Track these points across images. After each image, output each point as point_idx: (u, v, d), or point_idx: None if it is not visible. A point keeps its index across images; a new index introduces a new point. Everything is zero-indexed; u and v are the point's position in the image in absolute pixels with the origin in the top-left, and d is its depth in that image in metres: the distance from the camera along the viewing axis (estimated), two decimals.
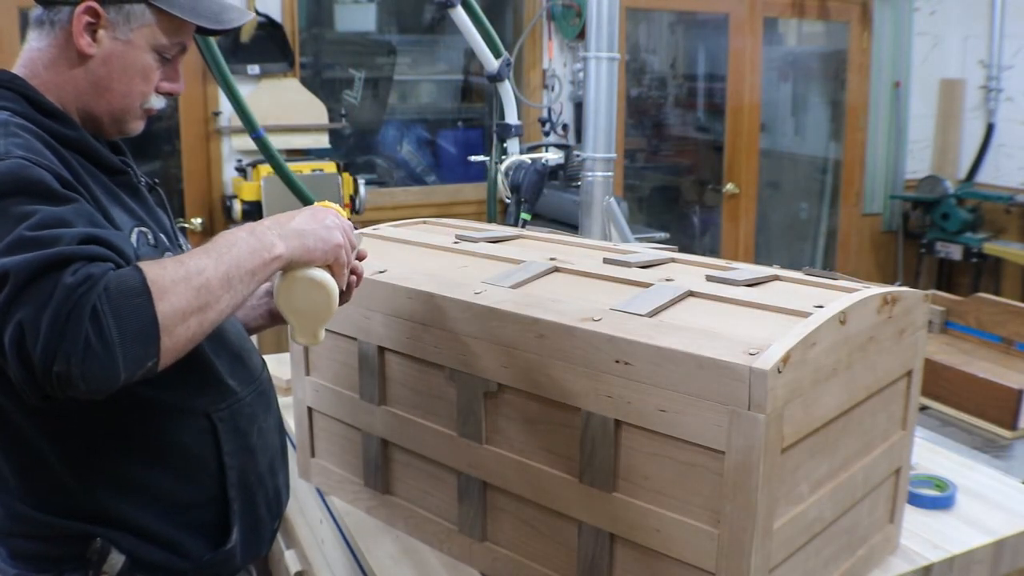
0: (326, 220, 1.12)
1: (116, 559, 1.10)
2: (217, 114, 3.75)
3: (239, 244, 1.02)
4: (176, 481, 1.16)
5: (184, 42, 1.18)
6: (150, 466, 1.14)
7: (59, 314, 0.87)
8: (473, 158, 2.76)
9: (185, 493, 1.16)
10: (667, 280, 1.23)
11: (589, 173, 2.34)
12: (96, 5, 1.10)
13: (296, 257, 1.07)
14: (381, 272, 1.39)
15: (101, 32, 1.11)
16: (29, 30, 1.15)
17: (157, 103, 1.19)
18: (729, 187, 5.05)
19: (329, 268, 1.11)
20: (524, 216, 2.40)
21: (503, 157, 2.46)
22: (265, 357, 2.29)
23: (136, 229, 1.13)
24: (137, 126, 1.20)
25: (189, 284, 0.95)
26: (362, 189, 3.64)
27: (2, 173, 0.96)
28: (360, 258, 1.21)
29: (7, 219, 0.93)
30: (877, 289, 1.17)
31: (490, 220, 2.77)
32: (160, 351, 0.92)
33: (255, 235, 1.04)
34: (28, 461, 1.10)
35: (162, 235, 1.19)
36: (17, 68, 1.14)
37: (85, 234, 0.94)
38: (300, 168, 3.46)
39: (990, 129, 5.25)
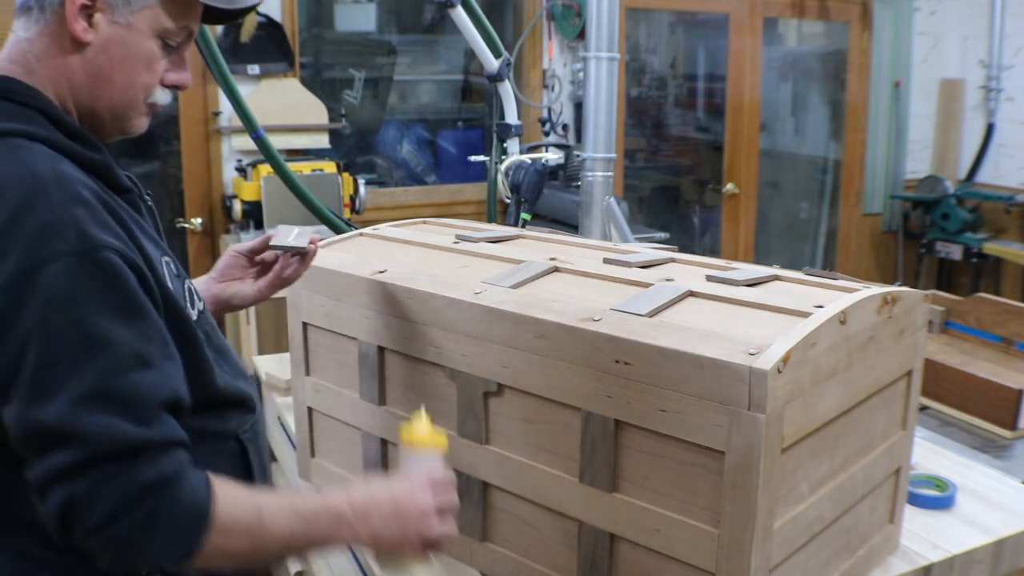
0: (410, 529, 1.05)
1: None
2: (217, 114, 3.75)
3: (320, 526, 1.00)
4: None
5: (191, 27, 1.07)
6: None
7: (119, 509, 0.87)
8: (473, 158, 2.76)
9: None
10: (667, 280, 1.23)
11: (589, 173, 2.34)
12: None
13: (367, 547, 1.07)
14: (381, 272, 1.39)
15: (98, 16, 1.00)
16: (15, 20, 1.03)
17: (163, 98, 1.08)
18: (729, 187, 5.05)
19: None
20: (524, 216, 2.40)
21: (503, 157, 2.46)
22: (265, 357, 2.31)
23: (163, 259, 1.06)
24: (141, 123, 1.10)
25: (251, 536, 0.95)
26: (362, 189, 3.64)
27: (88, 273, 0.91)
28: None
29: (87, 339, 0.89)
30: (877, 289, 1.17)
31: (490, 220, 2.76)
32: (187, 564, 0.93)
33: (340, 527, 1.01)
34: None
35: (174, 258, 1.13)
36: (4, 62, 1.02)
37: (167, 398, 0.93)
38: (300, 168, 3.46)
39: (990, 129, 5.25)
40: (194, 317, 1.09)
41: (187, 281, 1.13)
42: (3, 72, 1.02)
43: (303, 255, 1.35)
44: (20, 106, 0.99)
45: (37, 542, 1.00)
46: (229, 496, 0.95)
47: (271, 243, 1.37)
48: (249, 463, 1.18)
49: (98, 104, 1.05)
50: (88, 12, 1.00)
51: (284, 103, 3.79)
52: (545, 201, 2.93)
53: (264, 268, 1.40)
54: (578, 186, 2.47)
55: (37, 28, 1.01)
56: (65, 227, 0.91)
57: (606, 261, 1.34)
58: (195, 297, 1.13)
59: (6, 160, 0.94)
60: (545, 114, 4.35)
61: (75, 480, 0.87)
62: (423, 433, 1.13)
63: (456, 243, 1.50)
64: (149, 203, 1.17)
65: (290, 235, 1.37)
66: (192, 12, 1.07)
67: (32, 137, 0.97)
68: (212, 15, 1.10)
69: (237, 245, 1.42)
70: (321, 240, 1.41)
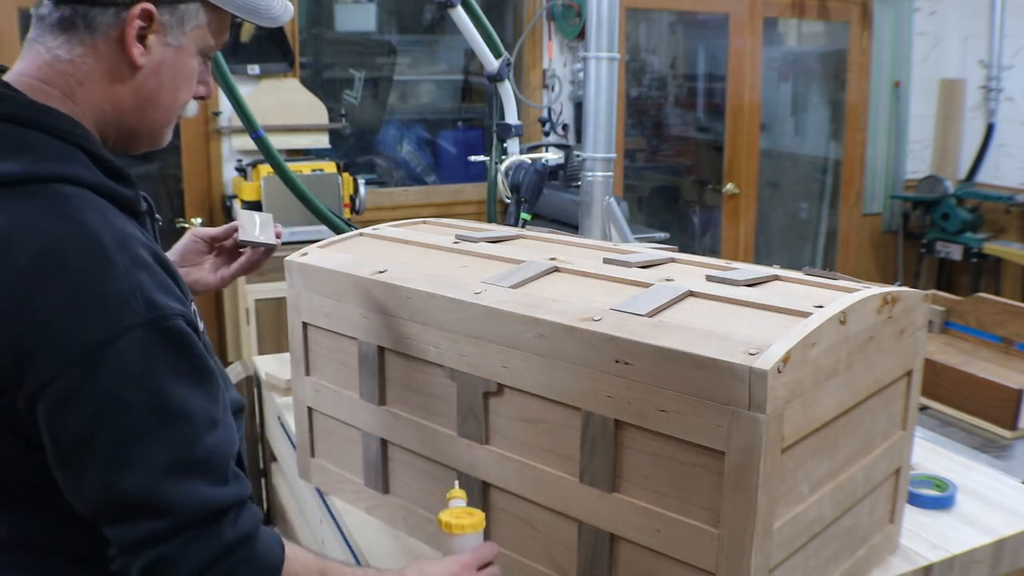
0: None
1: None
2: (217, 114, 3.75)
3: None
4: None
5: (225, 41, 1.07)
6: None
7: (205, 568, 0.91)
8: (473, 158, 2.75)
9: None
10: (667, 280, 1.23)
11: (589, 173, 2.34)
12: (151, 7, 0.95)
13: None
14: (381, 272, 1.39)
15: (152, 38, 0.96)
16: (45, 33, 0.96)
17: (192, 110, 1.10)
18: (729, 187, 5.05)
19: None
20: (524, 216, 2.40)
21: (503, 157, 2.46)
22: (265, 357, 2.31)
23: None
24: (169, 136, 1.09)
25: None
26: (362, 189, 3.64)
27: (160, 343, 0.90)
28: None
29: (164, 409, 0.90)
30: (877, 289, 1.17)
31: (490, 220, 2.76)
32: None
33: None
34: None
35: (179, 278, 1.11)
36: (34, 80, 0.96)
37: (235, 452, 0.97)
38: (300, 168, 3.47)
39: (990, 129, 5.25)
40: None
41: (192, 303, 1.10)
42: (39, 96, 0.96)
43: (270, 249, 1.38)
44: (63, 143, 0.94)
45: (66, 561, 1.02)
46: (299, 556, 1.01)
47: (240, 238, 1.38)
48: (243, 466, 1.18)
49: (140, 126, 1.03)
50: (142, 34, 0.96)
51: (284, 103, 3.79)
52: (545, 201, 2.93)
53: (223, 253, 1.41)
54: (578, 186, 2.47)
55: (82, 49, 0.96)
56: (133, 298, 0.89)
57: (606, 261, 1.34)
58: (198, 317, 1.12)
59: (59, 215, 0.90)
60: (545, 114, 4.35)
61: (164, 544, 0.90)
62: (462, 518, 1.16)
63: (456, 243, 1.50)
64: (158, 219, 1.16)
65: (255, 225, 1.38)
66: (226, 28, 1.06)
67: (78, 182, 0.93)
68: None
69: (198, 230, 1.42)
70: (281, 233, 1.43)
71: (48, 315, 0.87)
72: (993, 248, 4.98)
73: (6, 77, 0.98)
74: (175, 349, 0.92)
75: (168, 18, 0.97)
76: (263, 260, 1.40)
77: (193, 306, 1.11)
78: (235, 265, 1.40)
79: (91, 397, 0.88)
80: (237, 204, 3.46)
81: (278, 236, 1.40)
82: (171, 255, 1.37)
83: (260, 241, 1.36)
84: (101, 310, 0.88)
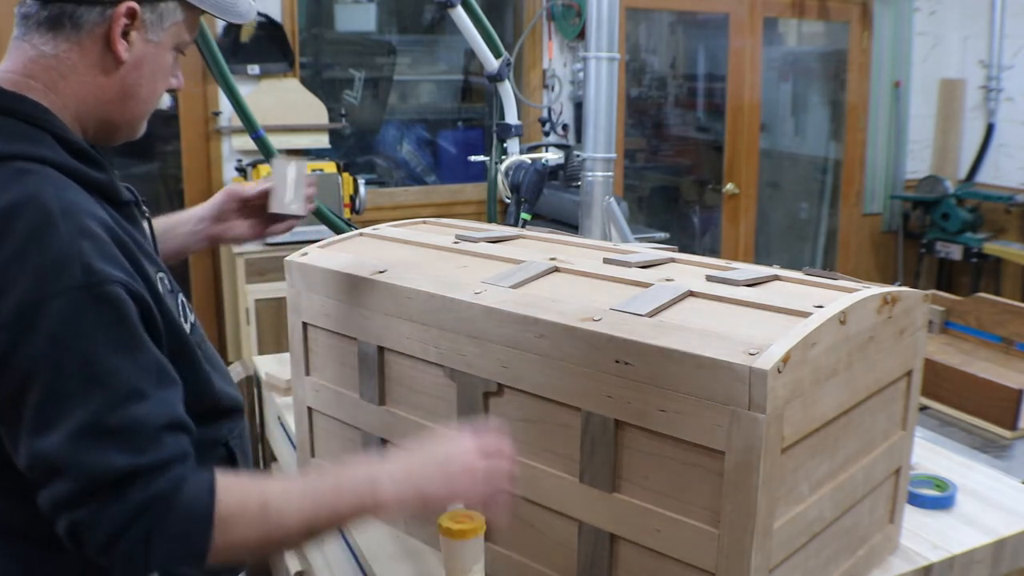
0: (452, 468, 1.06)
1: None
2: (217, 114, 3.75)
3: (346, 496, 1.01)
4: None
5: (195, 36, 1.14)
6: None
7: (116, 532, 0.90)
8: (473, 158, 2.75)
9: None
10: (667, 280, 1.23)
11: (589, 173, 2.34)
12: (135, 5, 1.01)
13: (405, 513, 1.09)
14: (381, 272, 1.39)
15: (133, 34, 1.02)
16: (31, 31, 1.01)
17: (166, 102, 1.14)
18: (729, 187, 5.05)
19: None
20: (524, 216, 2.40)
21: (503, 157, 2.46)
22: (265, 357, 2.31)
23: (158, 275, 1.07)
24: (143, 128, 1.14)
25: (261, 528, 0.96)
26: (362, 189, 3.65)
27: (92, 307, 0.92)
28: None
29: (89, 374, 0.91)
30: (877, 289, 1.17)
31: (490, 220, 2.76)
32: (198, 569, 0.95)
33: (374, 491, 1.01)
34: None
35: (168, 273, 1.13)
36: (18, 75, 1.01)
37: (164, 423, 0.94)
38: None
39: (990, 129, 5.25)
40: (187, 331, 1.10)
41: (179, 296, 1.14)
42: (21, 89, 1.01)
43: (300, 217, 1.44)
44: (31, 126, 0.99)
45: (36, 545, 1.02)
46: (234, 492, 0.96)
47: (271, 209, 1.42)
48: (236, 468, 1.20)
49: (120, 118, 1.08)
50: (125, 31, 1.02)
51: (284, 103, 3.79)
52: (545, 201, 2.93)
53: (256, 211, 1.45)
54: (578, 186, 2.47)
55: (67, 45, 1.01)
56: (71, 262, 0.91)
57: (606, 261, 1.34)
58: (187, 311, 1.15)
59: (13, 187, 0.94)
60: (545, 114, 4.36)
61: (75, 509, 0.91)
62: (463, 522, 1.14)
63: (456, 243, 1.50)
64: (147, 213, 1.18)
65: (286, 188, 1.41)
66: (198, 23, 1.12)
67: (39, 160, 0.97)
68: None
69: (232, 188, 1.46)
70: (314, 194, 1.47)
71: None
72: (993, 248, 4.98)
73: None
74: (109, 316, 0.93)
75: (150, 16, 1.03)
76: (295, 224, 1.45)
77: (180, 297, 1.14)
78: (271, 225, 1.46)
79: (21, 357, 0.90)
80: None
81: (310, 200, 1.44)
82: (207, 210, 1.43)
83: (290, 213, 1.42)
84: (37, 272, 0.90)
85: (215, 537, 0.93)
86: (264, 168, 3.40)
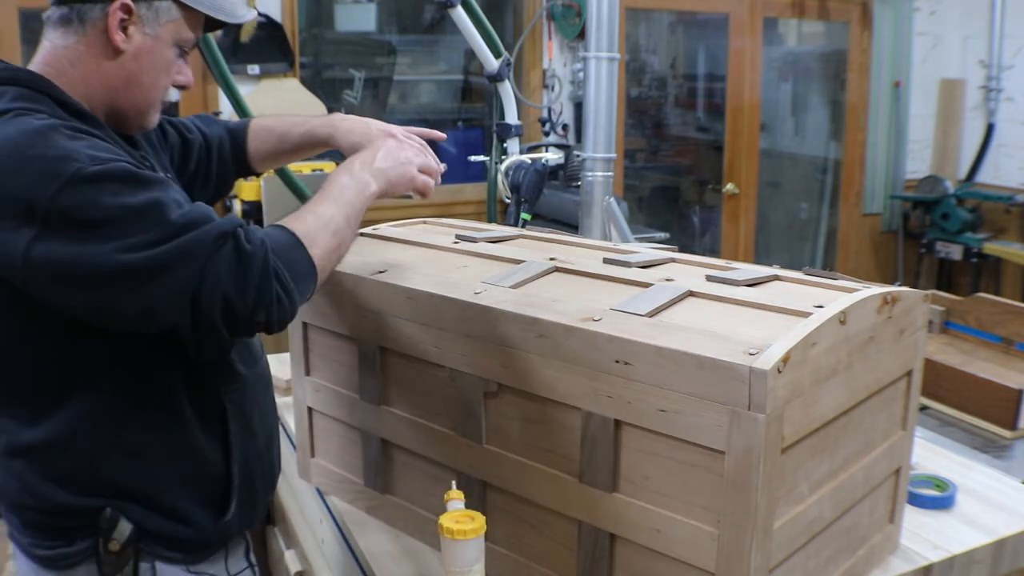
0: (400, 156, 1.32)
1: (124, 527, 1.19)
2: (217, 114, 3.74)
3: (347, 188, 1.23)
4: (185, 458, 1.24)
5: (199, 36, 1.25)
6: (163, 443, 1.22)
7: (253, 279, 1.05)
8: (473, 158, 2.76)
9: (192, 469, 1.25)
10: (667, 280, 1.23)
11: (589, 173, 2.34)
12: (129, 1, 1.14)
13: (385, 191, 1.28)
14: (381, 272, 1.39)
15: (132, 28, 1.16)
16: (49, 30, 1.17)
17: (173, 95, 1.26)
18: (729, 187, 5.05)
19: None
20: (524, 216, 2.40)
21: (503, 157, 2.46)
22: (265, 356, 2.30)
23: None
24: (155, 119, 1.26)
25: (327, 230, 1.17)
26: None
27: (108, 177, 1.03)
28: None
29: (134, 208, 1.03)
30: (877, 289, 1.17)
31: (490, 220, 2.77)
32: (317, 285, 1.16)
33: (354, 177, 1.25)
34: (56, 437, 1.17)
35: None
36: (38, 67, 1.16)
37: (212, 214, 1.09)
38: (300, 168, 3.46)
39: (990, 129, 5.25)
40: None
41: None
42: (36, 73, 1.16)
43: None
44: (33, 91, 1.12)
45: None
46: (289, 220, 1.17)
47: None
48: (227, 422, 1.27)
49: (126, 104, 1.20)
50: (124, 25, 1.15)
51: (284, 103, 3.79)
52: (545, 201, 2.93)
53: None
54: (578, 186, 2.47)
55: (75, 38, 1.15)
56: (74, 153, 1.03)
57: (606, 261, 1.34)
58: None
59: (13, 124, 1.06)
60: (545, 114, 4.35)
61: (218, 286, 1.04)
62: (463, 522, 1.13)
63: (456, 243, 1.50)
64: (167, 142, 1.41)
65: None
66: (201, 24, 1.24)
67: (35, 113, 1.09)
68: (215, 24, 1.27)
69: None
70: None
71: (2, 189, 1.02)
72: (993, 248, 4.98)
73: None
74: (125, 177, 1.05)
75: (145, 12, 1.16)
76: None
77: None
78: None
79: (67, 235, 1.01)
80: (236, 204, 3.46)
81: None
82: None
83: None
84: (41, 170, 1.01)
85: (310, 251, 1.13)
86: None
